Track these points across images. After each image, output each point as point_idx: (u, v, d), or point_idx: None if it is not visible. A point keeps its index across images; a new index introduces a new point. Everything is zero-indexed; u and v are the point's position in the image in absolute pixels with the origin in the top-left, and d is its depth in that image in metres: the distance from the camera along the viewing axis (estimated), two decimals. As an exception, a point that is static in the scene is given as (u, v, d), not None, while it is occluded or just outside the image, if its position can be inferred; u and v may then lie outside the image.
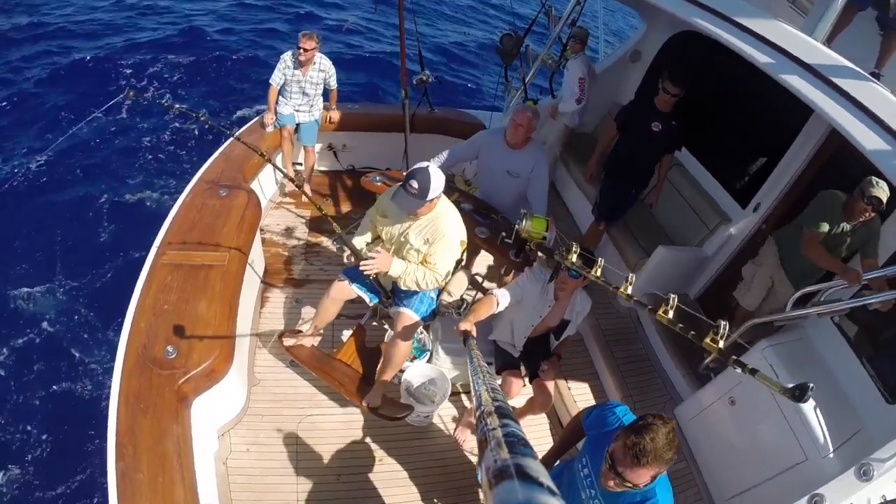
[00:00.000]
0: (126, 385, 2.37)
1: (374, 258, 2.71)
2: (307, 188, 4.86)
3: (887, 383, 2.67)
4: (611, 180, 4.32)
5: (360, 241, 3.04)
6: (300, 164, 5.07)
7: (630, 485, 1.62)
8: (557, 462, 2.60)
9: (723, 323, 1.53)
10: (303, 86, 4.49)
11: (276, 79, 4.45)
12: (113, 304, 5.17)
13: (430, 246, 2.78)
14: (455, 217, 2.83)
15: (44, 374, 4.60)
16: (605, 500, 1.81)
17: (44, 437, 4.18)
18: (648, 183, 4.32)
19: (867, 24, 2.83)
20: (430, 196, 2.57)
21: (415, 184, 2.53)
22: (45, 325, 4.95)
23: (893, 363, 2.73)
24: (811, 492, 2.35)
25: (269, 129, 4.48)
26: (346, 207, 4.89)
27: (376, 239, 3.08)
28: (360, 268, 2.72)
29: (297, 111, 4.57)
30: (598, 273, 1.96)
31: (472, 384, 1.46)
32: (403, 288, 2.93)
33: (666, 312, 1.68)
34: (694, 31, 4.33)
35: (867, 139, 2.08)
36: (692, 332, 1.59)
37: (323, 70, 4.52)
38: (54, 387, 4.53)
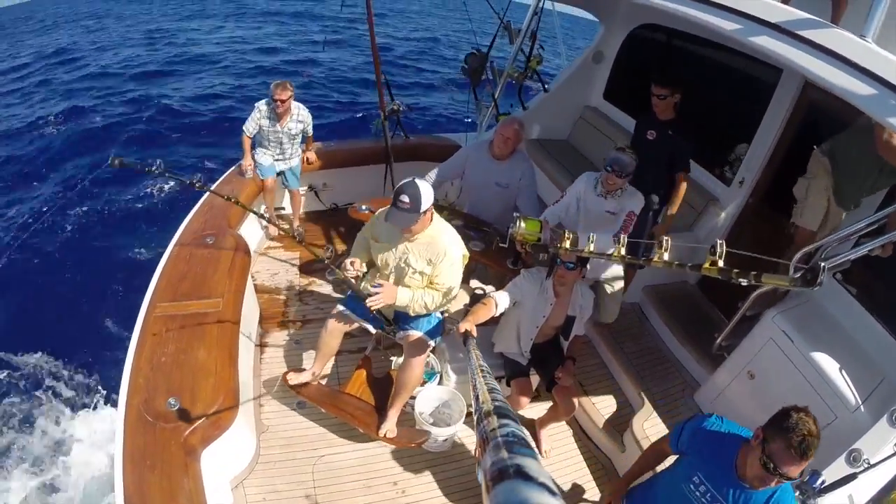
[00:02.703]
0: (130, 443, 2.27)
1: (379, 293, 2.64)
2: (295, 224, 4.88)
3: None
4: None
5: (357, 254, 2.98)
6: (283, 208, 5.05)
7: (784, 480, 1.74)
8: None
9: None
10: (280, 137, 4.40)
11: (249, 128, 4.35)
12: (107, 363, 5.20)
13: (434, 267, 2.72)
14: (452, 232, 2.79)
15: (42, 439, 4.51)
16: None
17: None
18: (652, 208, 3.68)
19: None
20: (423, 207, 2.53)
21: (405, 198, 2.48)
22: (36, 390, 4.89)
23: None
24: (847, 448, 2.28)
25: (248, 174, 4.42)
26: (334, 246, 4.87)
27: (370, 266, 3.03)
28: (367, 304, 2.65)
29: (276, 160, 4.53)
30: (591, 248, 1.93)
31: (471, 384, 1.42)
32: (412, 315, 2.87)
33: (714, 264, 1.57)
34: (652, 24, 4.48)
35: (845, 84, 2.10)
36: (754, 273, 1.47)
37: (301, 121, 4.43)
38: (54, 451, 4.41)
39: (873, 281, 2.83)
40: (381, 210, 2.86)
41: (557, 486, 3.18)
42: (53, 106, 10.21)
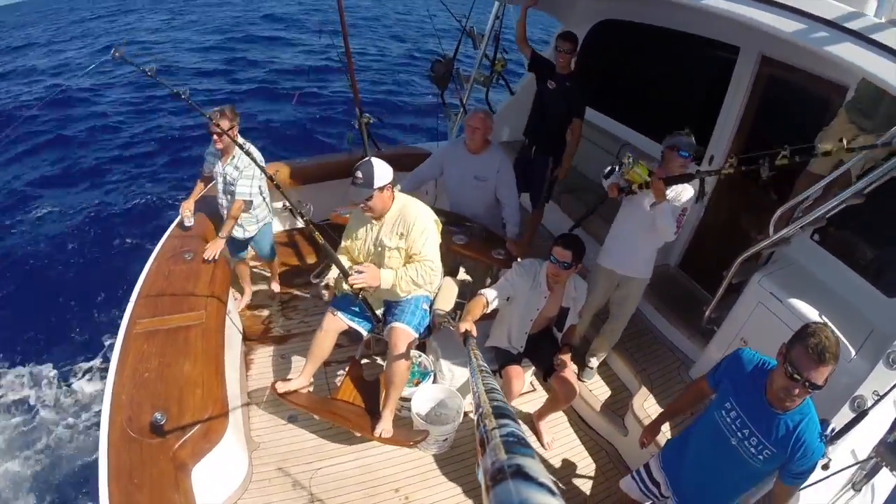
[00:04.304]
0: (115, 462, 2.13)
1: (362, 272, 2.66)
2: (274, 286, 4.25)
3: (881, 280, 2.71)
4: (522, 150, 4.27)
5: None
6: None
7: (810, 389, 1.77)
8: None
9: None
10: (223, 184, 3.48)
11: (205, 166, 3.60)
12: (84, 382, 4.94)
13: (407, 238, 2.76)
14: (420, 203, 2.85)
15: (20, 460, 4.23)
16: (762, 433, 1.91)
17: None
18: (556, 149, 4.11)
19: None
20: (377, 183, 2.61)
21: (359, 174, 2.61)
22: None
23: (881, 259, 2.78)
24: (850, 396, 2.30)
25: (187, 222, 3.57)
26: (312, 260, 4.78)
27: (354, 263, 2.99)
28: (350, 281, 2.64)
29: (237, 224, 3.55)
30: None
31: (471, 385, 1.41)
32: (402, 294, 2.86)
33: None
34: (609, 20, 4.63)
35: (804, 34, 2.20)
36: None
37: (238, 167, 3.37)
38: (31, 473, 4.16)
39: (850, 236, 2.90)
40: (353, 212, 2.98)
41: (558, 485, 3.11)
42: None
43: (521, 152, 4.33)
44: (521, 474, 0.56)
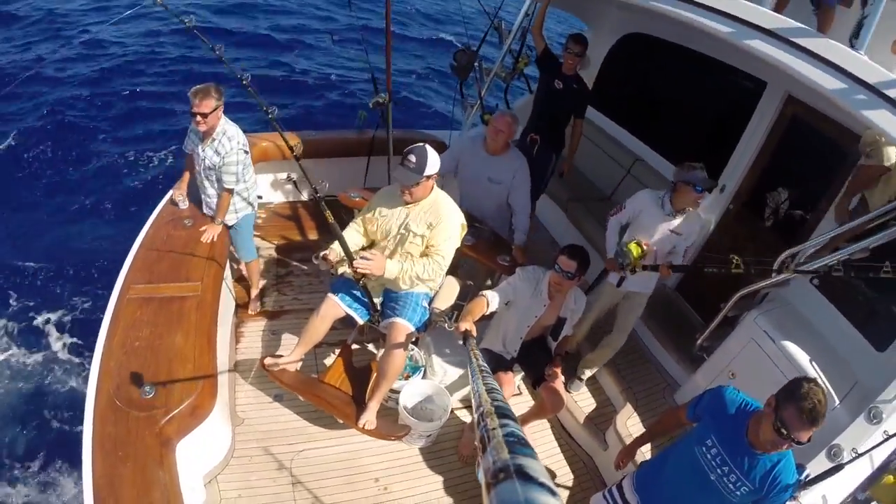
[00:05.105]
0: (100, 432, 2.12)
1: (368, 258, 2.63)
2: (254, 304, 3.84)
3: (873, 333, 2.76)
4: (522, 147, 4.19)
5: (349, 237, 2.89)
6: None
7: (795, 444, 1.82)
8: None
9: None
10: (200, 168, 3.26)
11: (186, 143, 3.33)
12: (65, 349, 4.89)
13: (433, 230, 2.77)
14: (454, 204, 2.87)
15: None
16: (741, 471, 1.96)
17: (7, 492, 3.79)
18: (558, 146, 4.28)
19: (802, 3, 3.06)
20: (427, 171, 2.64)
21: (413, 158, 2.63)
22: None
23: (876, 312, 2.83)
24: (827, 445, 2.36)
25: (181, 205, 3.45)
26: (312, 236, 4.74)
27: (370, 246, 3.00)
28: (354, 265, 2.61)
29: (211, 207, 3.38)
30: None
31: (471, 385, 1.42)
32: (403, 287, 2.85)
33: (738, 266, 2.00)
34: (639, 34, 4.58)
35: (830, 87, 2.21)
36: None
37: (219, 152, 3.12)
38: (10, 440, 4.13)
39: (849, 285, 2.94)
40: (382, 189, 3.01)
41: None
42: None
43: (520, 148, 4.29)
44: (523, 474, 0.56)
